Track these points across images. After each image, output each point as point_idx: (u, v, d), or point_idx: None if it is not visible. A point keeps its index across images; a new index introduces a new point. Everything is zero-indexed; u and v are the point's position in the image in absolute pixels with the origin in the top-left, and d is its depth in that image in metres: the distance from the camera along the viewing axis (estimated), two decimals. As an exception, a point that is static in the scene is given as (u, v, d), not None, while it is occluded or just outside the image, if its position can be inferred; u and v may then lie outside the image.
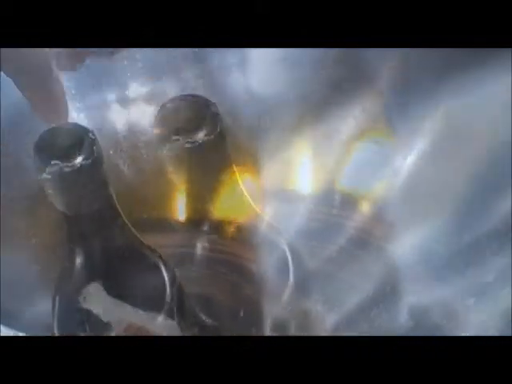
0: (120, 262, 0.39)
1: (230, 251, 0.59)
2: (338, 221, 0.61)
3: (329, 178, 0.60)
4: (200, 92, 0.60)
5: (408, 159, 0.57)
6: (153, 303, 0.42)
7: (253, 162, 0.61)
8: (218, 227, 0.59)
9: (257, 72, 0.61)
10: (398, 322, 0.56)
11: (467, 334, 0.50)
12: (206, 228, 0.59)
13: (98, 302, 0.58)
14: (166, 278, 0.43)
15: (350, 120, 0.59)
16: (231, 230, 0.58)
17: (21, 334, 0.56)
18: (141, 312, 0.59)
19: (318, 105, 0.59)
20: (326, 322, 0.58)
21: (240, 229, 0.58)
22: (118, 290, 0.40)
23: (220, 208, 0.35)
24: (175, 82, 0.59)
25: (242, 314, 0.58)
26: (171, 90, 0.59)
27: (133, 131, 0.61)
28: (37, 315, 0.57)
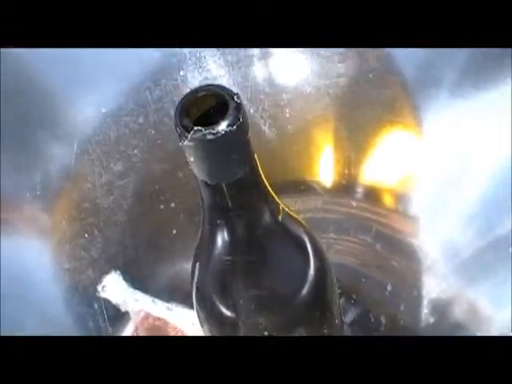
0: (263, 237, 0.36)
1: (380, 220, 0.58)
2: (357, 213, 0.60)
3: (350, 170, 0.60)
4: (222, 82, 0.60)
5: (434, 153, 0.56)
6: (293, 279, 0.39)
7: (274, 153, 0.61)
8: (367, 195, 0.59)
9: (279, 63, 0.60)
10: (419, 318, 0.55)
11: (489, 333, 0.50)
12: (352, 194, 0.59)
13: (117, 292, 0.58)
14: (312, 255, 0.40)
15: (374, 112, 0.58)
16: (385, 198, 0.58)
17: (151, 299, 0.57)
18: (159, 302, 0.59)
19: (341, 96, 0.59)
20: (345, 314, 0.58)
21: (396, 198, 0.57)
22: (257, 266, 0.37)
23: (240, 197, 0.34)
24: (198, 72, 0.59)
25: (389, 287, 0.57)
26: (194, 79, 0.59)
27: (275, 88, 0.60)
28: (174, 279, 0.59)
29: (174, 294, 0.59)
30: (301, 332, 0.41)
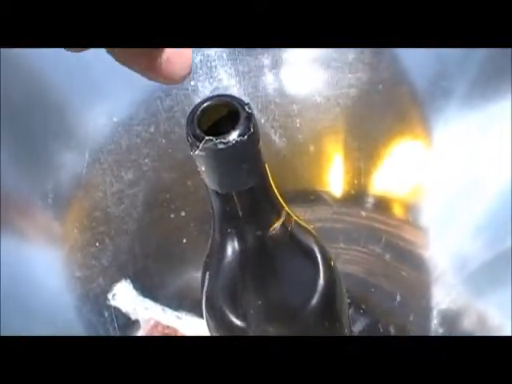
0: (273, 247, 0.36)
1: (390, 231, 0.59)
2: (367, 224, 0.60)
3: (360, 180, 0.60)
4: (233, 91, 0.60)
5: (444, 163, 0.56)
6: (303, 289, 0.39)
7: (284, 162, 0.61)
8: (376, 205, 0.59)
9: (289, 73, 0.60)
10: (428, 328, 0.55)
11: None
12: (362, 204, 0.59)
13: (128, 300, 0.59)
14: (322, 265, 0.40)
15: (384, 122, 0.58)
16: (395, 208, 0.58)
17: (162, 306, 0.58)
18: (168, 311, 0.59)
19: (351, 106, 0.59)
20: (354, 324, 0.58)
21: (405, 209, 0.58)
22: (267, 276, 0.38)
23: (250, 206, 0.34)
24: (208, 82, 0.59)
25: (398, 298, 0.57)
26: (204, 89, 0.59)
27: (286, 98, 0.60)
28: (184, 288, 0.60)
29: (184, 302, 0.59)
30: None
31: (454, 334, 0.54)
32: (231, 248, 0.36)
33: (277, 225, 0.36)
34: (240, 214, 0.34)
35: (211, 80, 0.59)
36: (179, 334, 0.58)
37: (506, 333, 0.48)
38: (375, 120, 0.58)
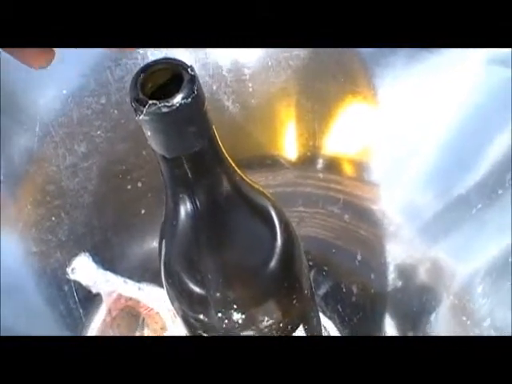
0: (226, 209, 0.36)
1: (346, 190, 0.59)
2: (325, 185, 0.61)
3: (315, 141, 0.60)
4: (183, 58, 0.59)
5: (393, 118, 0.57)
6: (259, 250, 0.40)
7: (239, 128, 0.61)
8: (332, 165, 0.59)
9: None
10: (387, 282, 0.56)
11: (455, 292, 0.51)
12: (318, 166, 0.60)
13: (88, 273, 0.58)
14: (278, 225, 0.40)
15: (336, 82, 0.58)
16: (350, 167, 0.58)
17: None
18: (130, 282, 0.59)
19: (302, 68, 0.59)
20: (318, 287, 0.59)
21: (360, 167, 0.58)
22: (222, 239, 0.38)
23: (200, 170, 0.34)
24: (158, 49, 0.58)
25: (359, 257, 0.58)
26: (154, 57, 0.58)
27: (237, 63, 0.60)
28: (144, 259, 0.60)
29: (145, 273, 0.59)
30: (270, 304, 0.41)
31: (412, 287, 0.55)
32: (184, 213, 0.36)
33: (228, 187, 0.36)
34: (190, 177, 0.34)
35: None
36: (141, 305, 0.58)
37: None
38: (327, 80, 0.58)
